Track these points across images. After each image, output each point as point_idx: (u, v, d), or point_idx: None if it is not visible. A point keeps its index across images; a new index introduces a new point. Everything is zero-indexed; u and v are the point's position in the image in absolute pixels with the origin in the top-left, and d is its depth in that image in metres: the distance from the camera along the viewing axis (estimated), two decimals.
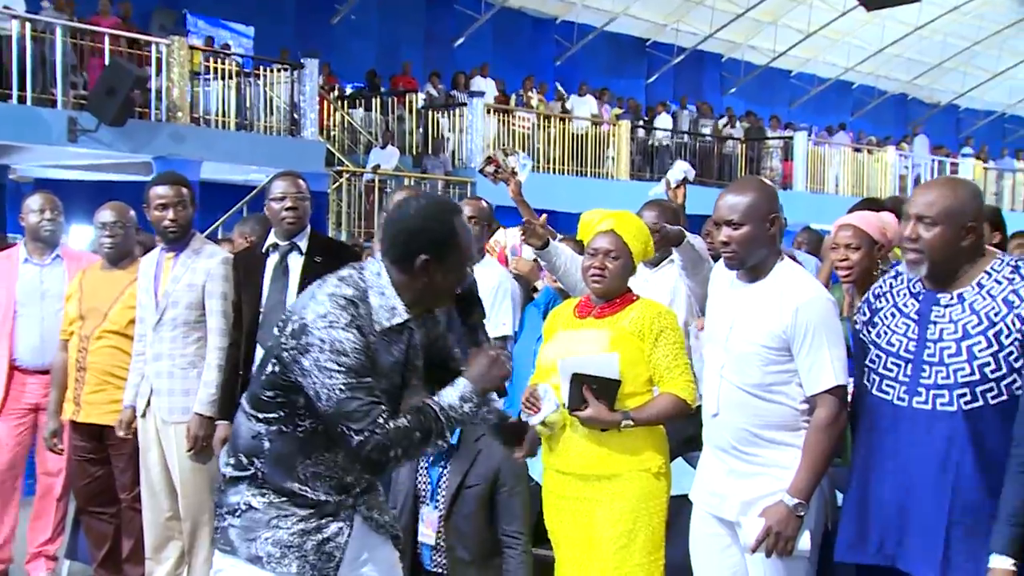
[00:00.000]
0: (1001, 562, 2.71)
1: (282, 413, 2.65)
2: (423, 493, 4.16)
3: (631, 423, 3.54)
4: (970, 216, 2.90)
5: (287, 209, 4.39)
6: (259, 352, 4.33)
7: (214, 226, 13.18)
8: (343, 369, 2.53)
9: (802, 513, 3.13)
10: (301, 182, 4.49)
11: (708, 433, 3.40)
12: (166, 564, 4.62)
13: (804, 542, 3.17)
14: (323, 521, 2.70)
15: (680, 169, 5.55)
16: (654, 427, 3.67)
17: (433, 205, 2.73)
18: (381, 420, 2.53)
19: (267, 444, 2.67)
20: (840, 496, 3.53)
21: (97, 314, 4.72)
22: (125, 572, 4.78)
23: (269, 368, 2.64)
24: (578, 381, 3.52)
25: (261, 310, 4.41)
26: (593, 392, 3.51)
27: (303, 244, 4.45)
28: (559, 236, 5.06)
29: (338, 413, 2.53)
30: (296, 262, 4.43)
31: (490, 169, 5.56)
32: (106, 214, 4.77)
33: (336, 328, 2.54)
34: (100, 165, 13.76)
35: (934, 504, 2.89)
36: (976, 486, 2.85)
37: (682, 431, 3.97)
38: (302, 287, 4.35)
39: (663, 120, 20.87)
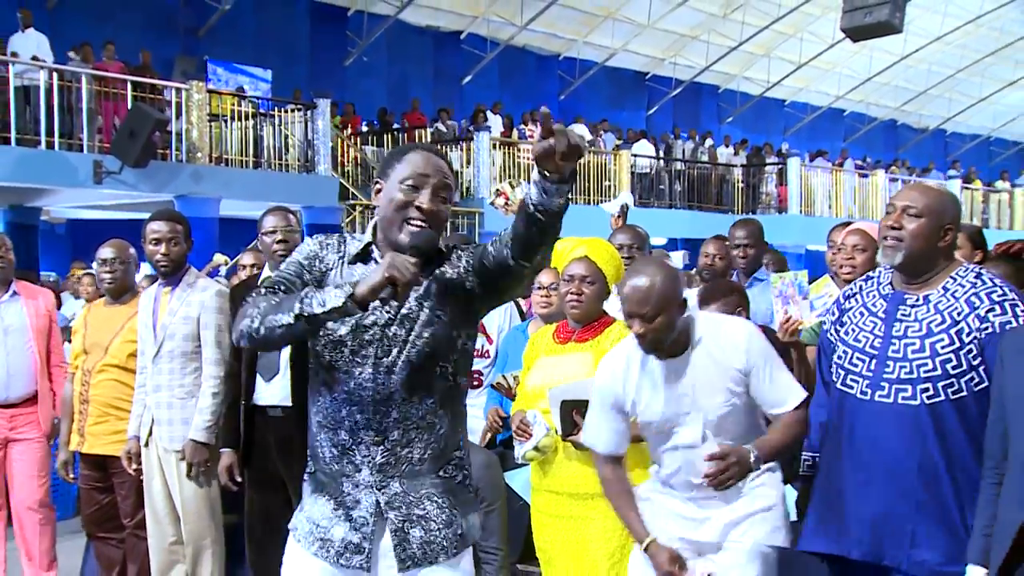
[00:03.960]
0: (977, 572, 2.68)
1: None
2: None
3: None
4: (949, 218, 2.95)
5: (278, 242, 4.34)
6: (259, 383, 4.27)
7: (234, 260, 13.17)
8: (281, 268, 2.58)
9: (755, 468, 3.04)
10: (291, 216, 4.44)
11: (676, 488, 3.20)
12: None
13: (780, 538, 3.11)
14: (346, 509, 2.49)
15: (619, 201, 5.70)
16: (643, 444, 3.57)
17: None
18: (259, 293, 2.46)
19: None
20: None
21: (99, 349, 4.67)
22: None
23: None
24: (567, 407, 3.45)
25: None
26: (583, 415, 3.42)
27: None
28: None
29: None
30: None
31: (500, 201, 5.64)
32: (105, 251, 4.71)
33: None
34: (126, 205, 13.80)
35: (899, 495, 2.86)
36: (938, 478, 2.83)
37: None
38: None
39: (642, 147, 20.54)
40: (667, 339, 3.03)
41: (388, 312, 2.44)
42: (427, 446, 2.48)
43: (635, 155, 19.72)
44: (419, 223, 2.43)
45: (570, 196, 2.25)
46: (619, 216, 5.73)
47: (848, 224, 4.59)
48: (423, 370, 2.46)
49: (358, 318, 2.42)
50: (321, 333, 2.45)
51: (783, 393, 3.08)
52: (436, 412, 2.49)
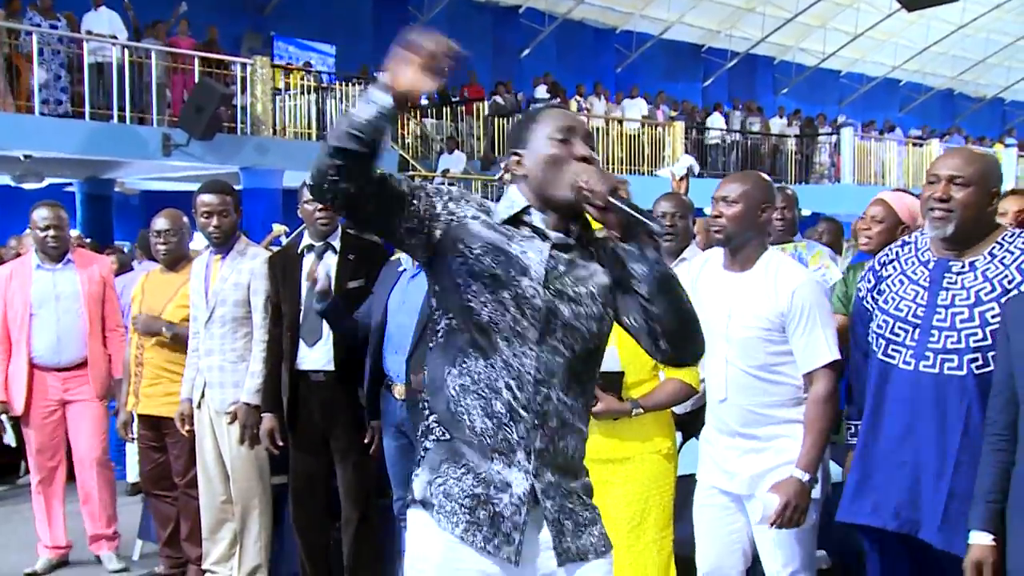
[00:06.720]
0: (980, 538, 2.57)
1: (433, 326, 2.25)
2: None
3: (641, 411, 3.43)
4: (994, 182, 2.80)
5: (320, 210, 4.31)
6: (302, 348, 4.26)
7: (298, 229, 13.29)
8: None
9: (812, 487, 3.06)
10: None
11: (715, 417, 3.31)
12: (221, 544, 4.59)
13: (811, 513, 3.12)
14: (492, 491, 2.14)
15: (684, 164, 5.43)
16: (661, 412, 3.55)
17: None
18: None
19: (427, 370, 2.26)
20: (835, 470, 3.45)
21: (153, 314, 4.71)
22: (185, 551, 4.77)
23: None
24: None
25: (301, 308, 4.33)
26: (600, 387, 3.37)
27: (336, 243, 4.36)
28: None
29: None
30: (331, 260, 4.33)
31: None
32: (160, 222, 4.72)
33: None
34: (193, 176, 13.93)
35: (939, 468, 2.74)
36: (978, 450, 2.67)
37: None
38: (338, 284, 4.27)
39: (715, 120, 20.50)
40: (735, 234, 3.16)
41: (557, 287, 2.17)
42: (576, 446, 2.24)
43: (694, 127, 19.48)
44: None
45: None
46: (682, 179, 5.53)
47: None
48: (585, 361, 2.22)
49: (521, 291, 2.15)
50: (481, 294, 2.15)
51: (812, 351, 3.07)
52: (582, 415, 2.26)
